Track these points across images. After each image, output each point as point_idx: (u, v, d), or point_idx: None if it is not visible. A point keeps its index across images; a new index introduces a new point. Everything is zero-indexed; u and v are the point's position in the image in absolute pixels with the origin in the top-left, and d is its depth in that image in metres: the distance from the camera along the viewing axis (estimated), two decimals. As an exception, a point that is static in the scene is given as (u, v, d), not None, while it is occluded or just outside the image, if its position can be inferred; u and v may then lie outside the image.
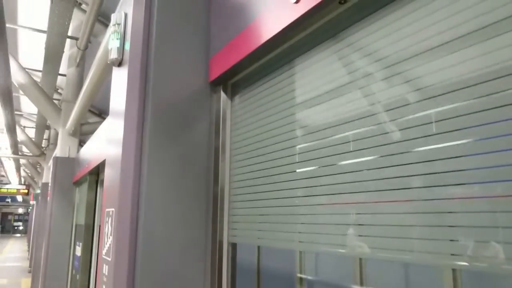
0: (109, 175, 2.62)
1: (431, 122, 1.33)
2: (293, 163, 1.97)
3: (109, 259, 2.38)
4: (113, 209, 2.40)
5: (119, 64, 2.67)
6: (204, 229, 2.43)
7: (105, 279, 2.44)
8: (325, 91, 1.81)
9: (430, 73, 1.36)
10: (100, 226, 6.43)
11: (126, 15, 2.66)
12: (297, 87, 2.01)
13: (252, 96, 2.39)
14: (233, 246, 2.46)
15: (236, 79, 2.54)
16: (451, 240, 1.24)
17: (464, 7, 1.27)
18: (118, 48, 2.62)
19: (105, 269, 2.45)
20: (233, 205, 2.45)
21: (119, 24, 2.64)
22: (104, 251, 2.50)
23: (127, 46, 2.55)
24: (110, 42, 2.67)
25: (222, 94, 2.61)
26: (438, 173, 1.30)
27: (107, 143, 2.84)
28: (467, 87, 1.24)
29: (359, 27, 1.67)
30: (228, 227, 2.46)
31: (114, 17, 2.69)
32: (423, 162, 1.35)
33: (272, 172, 2.13)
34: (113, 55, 2.62)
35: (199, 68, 2.58)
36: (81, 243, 7.01)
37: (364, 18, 1.64)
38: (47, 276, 7.59)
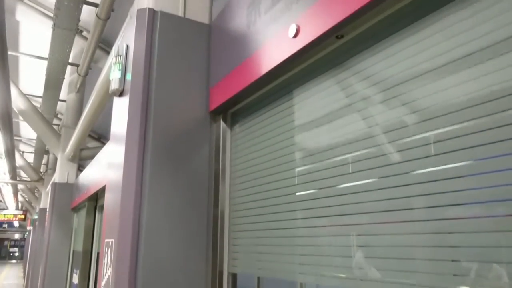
0: (109, 203, 2.62)
1: (430, 143, 1.36)
2: (293, 193, 1.98)
3: (108, 291, 2.36)
4: (112, 240, 2.38)
5: (120, 94, 2.70)
6: (205, 259, 2.41)
7: (103, 311, 2.40)
8: (323, 121, 1.84)
9: (426, 107, 1.38)
10: (98, 253, 6.36)
11: (127, 46, 2.71)
12: (295, 117, 2.04)
13: (252, 126, 2.42)
14: (233, 276, 2.44)
15: (236, 109, 2.58)
16: (452, 261, 1.24)
17: (457, 44, 1.31)
18: (119, 78, 2.66)
19: (104, 300, 2.42)
20: (233, 235, 2.45)
21: (120, 56, 2.69)
22: (103, 282, 2.48)
23: (129, 77, 2.59)
24: (111, 73, 2.71)
25: (222, 123, 2.64)
26: (438, 193, 1.30)
27: (107, 170, 2.85)
28: (465, 108, 1.27)
29: (356, 60, 1.71)
30: (228, 256, 2.44)
31: (115, 48, 2.74)
32: (423, 183, 1.36)
33: (272, 202, 2.13)
34: (115, 85, 2.65)
35: (199, 98, 2.62)
36: (78, 270, 6.91)
37: (361, 52, 1.69)
38: (43, 304, 7.45)
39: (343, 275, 1.62)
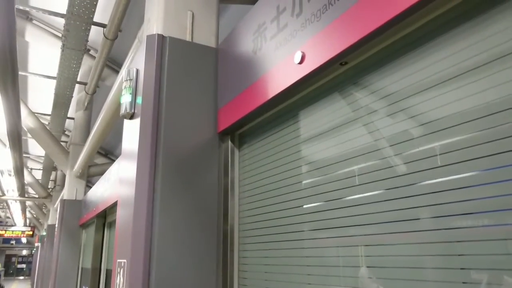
0: (121, 222, 2.67)
1: (437, 166, 1.40)
2: (300, 213, 2.03)
3: (121, 311, 2.40)
4: (125, 260, 2.44)
5: (131, 117, 2.78)
6: (215, 278, 2.45)
7: (116, 331, 2.44)
8: (328, 143, 1.90)
9: (431, 131, 1.44)
10: (107, 270, 6.39)
11: (137, 71, 2.79)
12: (301, 138, 2.10)
13: (259, 146, 2.48)
14: (244, 295, 2.48)
15: (243, 130, 2.65)
16: (463, 283, 1.27)
17: (460, 70, 1.37)
18: (130, 102, 2.73)
19: (117, 320, 2.46)
20: (242, 254, 2.49)
21: (131, 80, 2.77)
22: (116, 303, 2.52)
23: (139, 100, 2.67)
24: (122, 96, 2.79)
25: (230, 143, 2.71)
26: (449, 216, 1.34)
27: (118, 189, 2.91)
28: (470, 121, 1.32)
29: (359, 86, 1.77)
30: (238, 275, 2.49)
31: (126, 73, 2.83)
32: (433, 205, 1.40)
33: (279, 222, 2.18)
34: (126, 109, 2.73)
35: (208, 119, 2.69)
36: (87, 287, 6.94)
37: (364, 77, 1.75)
38: (53, 322, 7.47)
39: (352, 295, 1.66)
